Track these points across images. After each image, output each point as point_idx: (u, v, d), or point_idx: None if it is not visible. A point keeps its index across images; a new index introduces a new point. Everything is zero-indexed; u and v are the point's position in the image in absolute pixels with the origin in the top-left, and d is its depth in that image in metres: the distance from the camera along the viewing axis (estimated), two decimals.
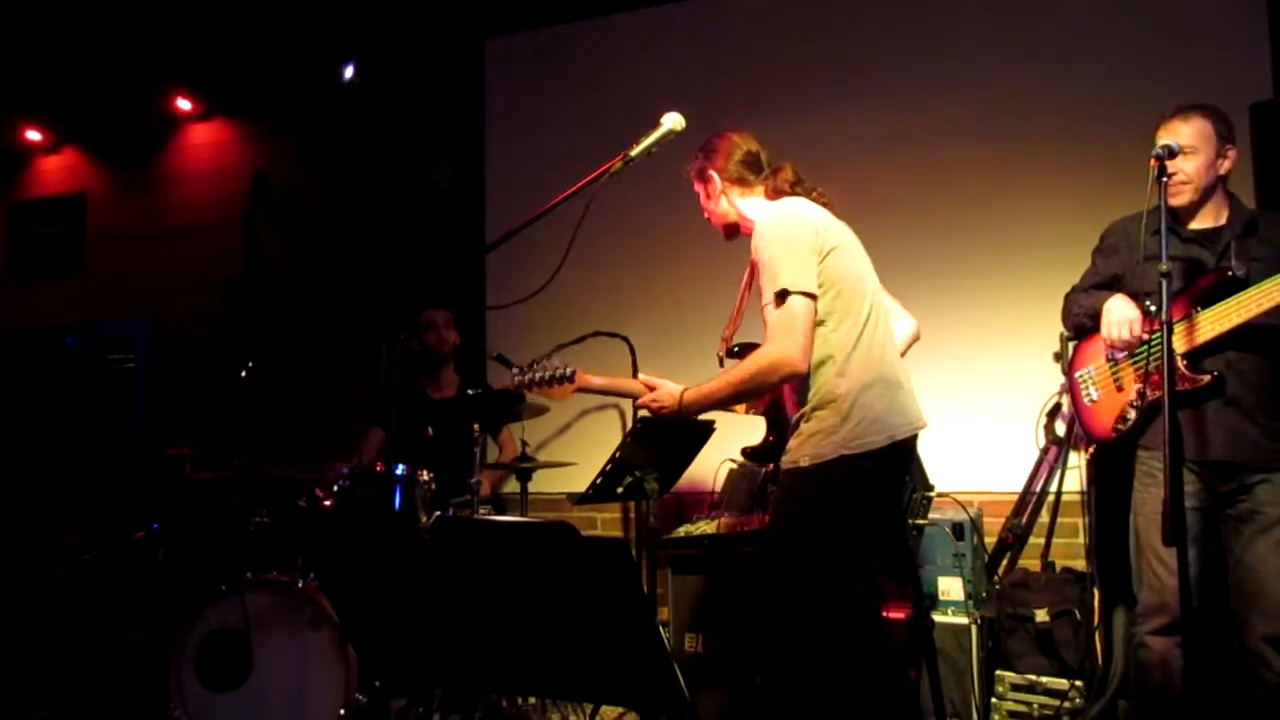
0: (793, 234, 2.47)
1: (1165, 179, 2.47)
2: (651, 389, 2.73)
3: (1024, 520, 3.84)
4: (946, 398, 4.16)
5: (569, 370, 2.84)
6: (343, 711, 3.21)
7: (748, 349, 2.63)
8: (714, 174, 2.72)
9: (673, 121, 2.59)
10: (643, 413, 2.77)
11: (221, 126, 5.98)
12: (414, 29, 5.30)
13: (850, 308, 2.49)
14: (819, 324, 2.45)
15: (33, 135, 6.30)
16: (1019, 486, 3.89)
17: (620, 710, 3.61)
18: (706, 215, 2.81)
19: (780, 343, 2.39)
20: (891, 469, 2.51)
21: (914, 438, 2.56)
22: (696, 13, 4.82)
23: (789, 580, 2.45)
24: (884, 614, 2.74)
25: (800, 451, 2.44)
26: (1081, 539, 3.77)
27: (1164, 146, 2.49)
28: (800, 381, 2.47)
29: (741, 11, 4.74)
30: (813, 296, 2.41)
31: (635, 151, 2.59)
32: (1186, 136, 2.67)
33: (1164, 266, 2.31)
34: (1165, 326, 2.28)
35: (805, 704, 2.44)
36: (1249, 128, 3.61)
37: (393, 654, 2.59)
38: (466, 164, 5.27)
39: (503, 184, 5.16)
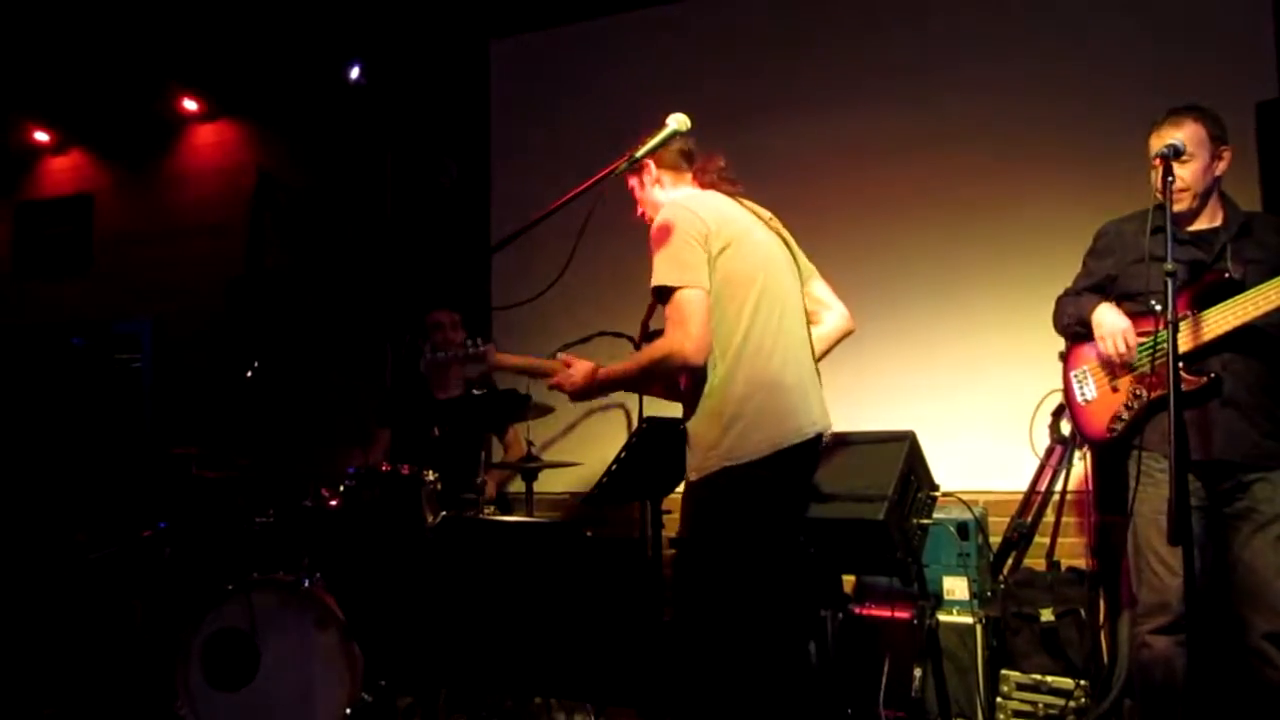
0: (683, 231, 2.44)
1: (1171, 178, 2.47)
2: (569, 365, 2.68)
3: (1029, 519, 3.83)
4: (951, 397, 4.17)
5: (480, 349, 2.78)
6: (348, 710, 3.22)
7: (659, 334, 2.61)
8: (649, 162, 2.68)
9: (678, 122, 2.59)
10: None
11: (227, 127, 6.00)
12: (420, 30, 5.31)
13: (732, 311, 2.45)
14: None
15: (40, 136, 6.34)
16: (1024, 485, 3.89)
17: (626, 709, 3.61)
18: (640, 211, 2.79)
19: (672, 335, 2.39)
20: (785, 475, 2.46)
21: (813, 441, 2.49)
22: (701, 13, 4.83)
23: (697, 588, 2.47)
24: (792, 622, 2.70)
25: (690, 465, 2.46)
26: (1086, 538, 3.77)
27: (1169, 146, 2.49)
28: (692, 381, 2.46)
29: (747, 13, 4.74)
30: (702, 289, 2.40)
31: (641, 151, 2.59)
32: (1174, 139, 2.64)
33: (1170, 266, 2.31)
34: (1171, 326, 2.28)
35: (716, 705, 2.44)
36: (1254, 126, 3.61)
37: (398, 653, 2.61)
38: (472, 164, 5.28)
39: (508, 184, 5.17)
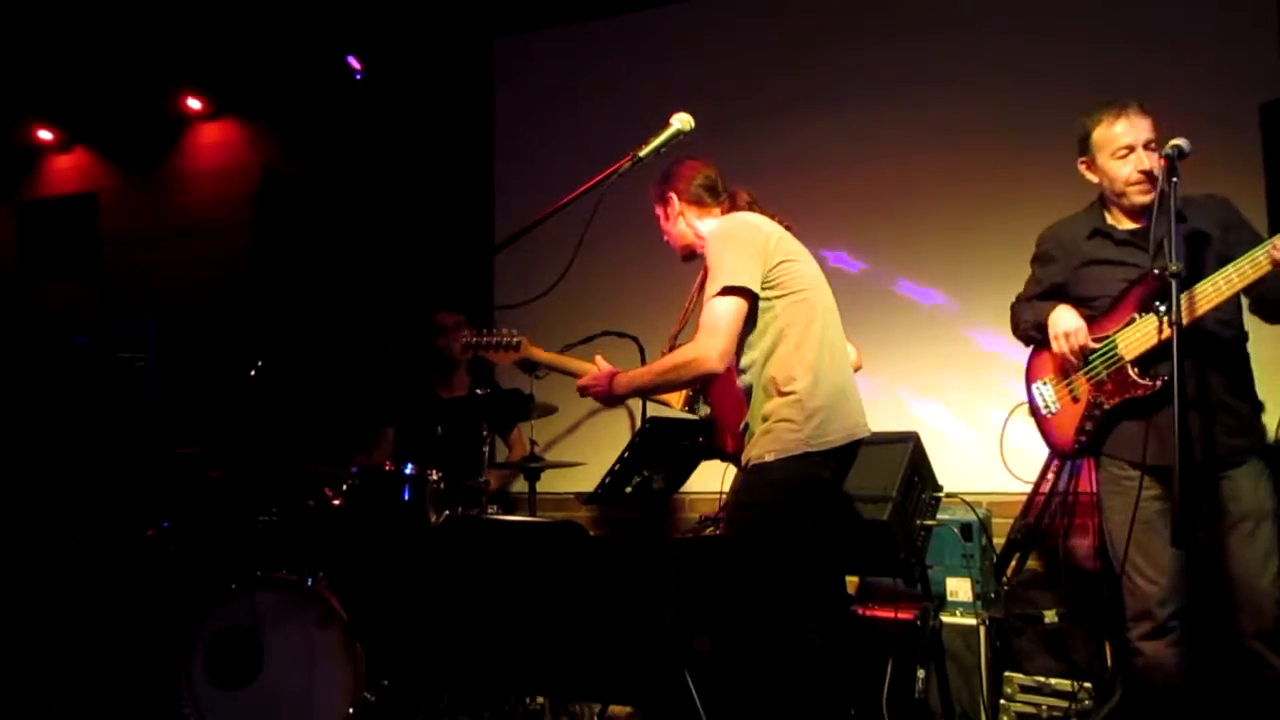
0: (742, 235, 2.55)
1: (1176, 179, 2.44)
2: (601, 371, 2.76)
3: (1032, 520, 3.82)
4: (954, 398, 4.17)
5: (516, 340, 3.04)
6: (351, 710, 3.22)
7: None
8: (673, 196, 2.79)
9: (681, 122, 2.60)
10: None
11: (231, 126, 6.01)
12: (424, 29, 5.31)
13: (812, 312, 2.55)
14: (779, 321, 2.51)
15: (44, 135, 6.35)
16: (1027, 487, 3.88)
17: (628, 709, 3.61)
18: (666, 238, 2.89)
19: (701, 342, 2.46)
20: (842, 470, 2.60)
21: (859, 444, 2.60)
22: (706, 13, 4.83)
23: (748, 571, 2.49)
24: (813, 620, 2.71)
25: (765, 447, 2.48)
26: (1090, 539, 3.76)
27: (1174, 146, 2.46)
28: (760, 378, 2.53)
29: (751, 13, 4.74)
30: (750, 295, 2.48)
31: (644, 151, 2.60)
32: (1148, 130, 2.61)
33: (1174, 267, 2.29)
34: (1175, 328, 2.26)
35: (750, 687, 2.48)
36: (1259, 127, 3.60)
37: (401, 652, 2.61)
38: (476, 164, 5.28)
39: (512, 184, 5.18)
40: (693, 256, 2.81)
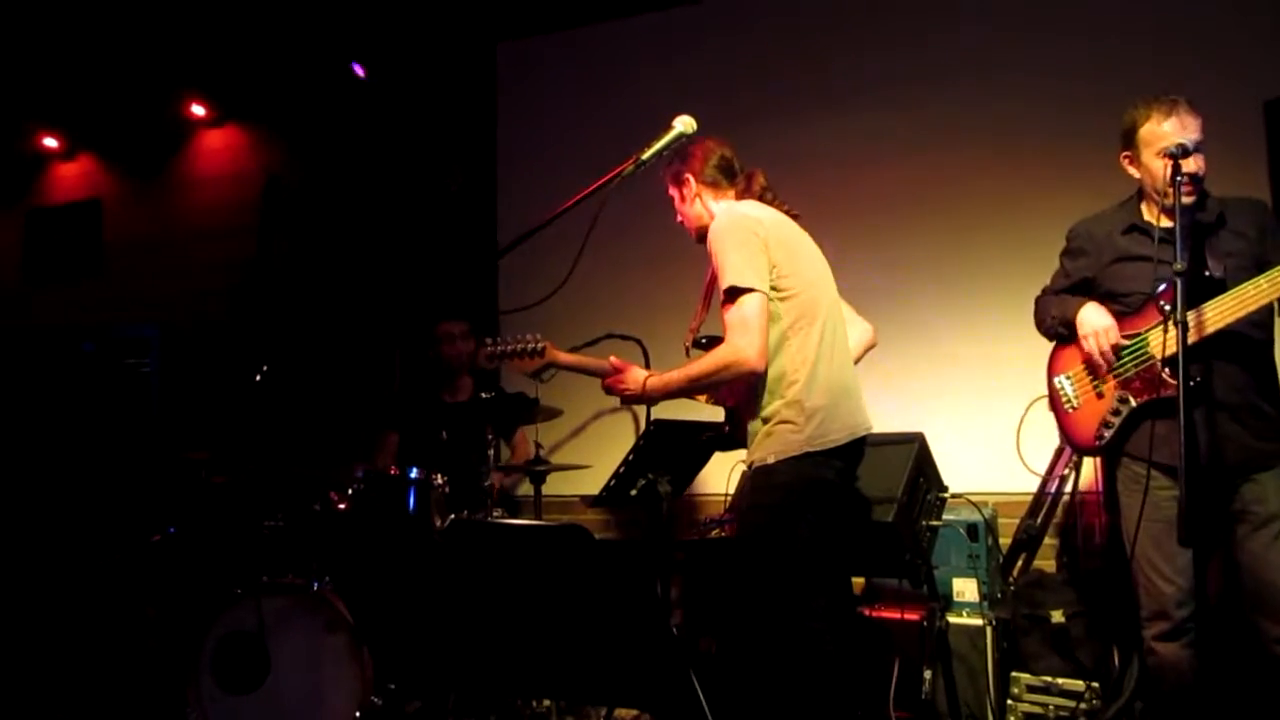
0: (743, 232, 2.53)
1: (1180, 177, 2.44)
2: (620, 370, 2.74)
3: (1038, 520, 3.82)
4: (960, 398, 4.16)
5: (539, 345, 2.97)
6: (358, 714, 3.22)
7: (714, 341, 2.65)
8: (689, 177, 2.78)
9: (684, 124, 2.60)
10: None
11: (235, 132, 6.02)
12: (426, 34, 5.32)
13: (813, 310, 2.55)
14: (780, 324, 2.51)
15: (49, 142, 6.37)
16: (1033, 487, 3.88)
17: (635, 712, 3.61)
18: (680, 219, 2.87)
19: (736, 342, 2.45)
20: (849, 468, 2.59)
21: (864, 441, 2.61)
22: (707, 17, 4.83)
23: (756, 572, 2.49)
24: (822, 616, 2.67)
25: (767, 449, 2.48)
26: (1097, 539, 3.75)
27: (1179, 145, 2.46)
28: (762, 380, 2.51)
29: (752, 16, 4.74)
30: (765, 293, 2.47)
31: (647, 154, 2.60)
32: (1197, 130, 2.57)
33: (1178, 265, 2.29)
34: (1180, 326, 2.26)
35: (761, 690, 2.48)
36: (1263, 124, 3.59)
37: (407, 656, 2.61)
38: (479, 168, 5.29)
39: (515, 188, 5.18)
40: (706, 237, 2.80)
